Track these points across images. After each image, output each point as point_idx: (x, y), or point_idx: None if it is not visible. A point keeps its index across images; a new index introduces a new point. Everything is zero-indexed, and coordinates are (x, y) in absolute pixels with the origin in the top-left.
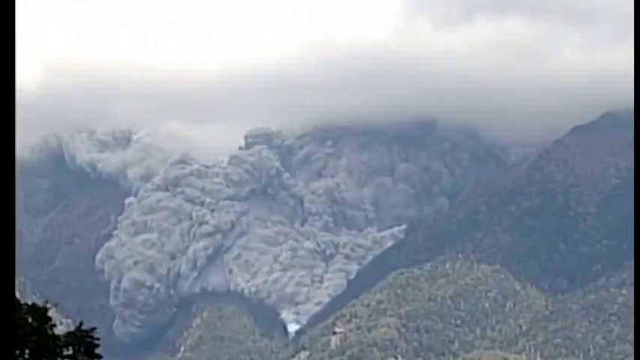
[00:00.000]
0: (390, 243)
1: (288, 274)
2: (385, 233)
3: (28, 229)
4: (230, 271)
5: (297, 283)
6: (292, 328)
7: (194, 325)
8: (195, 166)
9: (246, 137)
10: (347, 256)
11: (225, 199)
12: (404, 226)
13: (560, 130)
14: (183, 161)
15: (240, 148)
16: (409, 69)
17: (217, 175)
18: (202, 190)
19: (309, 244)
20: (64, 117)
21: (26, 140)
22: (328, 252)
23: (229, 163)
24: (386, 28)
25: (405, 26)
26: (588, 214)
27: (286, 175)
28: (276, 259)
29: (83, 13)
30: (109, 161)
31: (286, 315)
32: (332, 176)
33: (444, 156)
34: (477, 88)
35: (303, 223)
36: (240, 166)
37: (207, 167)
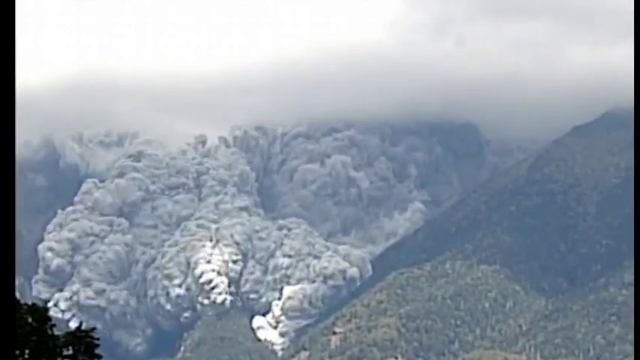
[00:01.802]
0: (393, 240)
1: (288, 270)
2: (386, 231)
3: (28, 229)
4: (228, 270)
5: (297, 280)
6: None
7: (194, 325)
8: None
9: (238, 128)
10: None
11: (219, 193)
12: (404, 227)
13: (560, 130)
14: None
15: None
16: (409, 68)
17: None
18: (197, 183)
19: (308, 242)
20: (63, 117)
21: (26, 140)
22: (329, 249)
23: (231, 146)
24: (386, 28)
25: (405, 26)
26: (588, 214)
27: (279, 170)
28: (275, 256)
29: (83, 13)
30: (108, 160)
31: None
32: (330, 172)
33: (443, 155)
34: (477, 88)
35: (300, 219)
36: (237, 154)
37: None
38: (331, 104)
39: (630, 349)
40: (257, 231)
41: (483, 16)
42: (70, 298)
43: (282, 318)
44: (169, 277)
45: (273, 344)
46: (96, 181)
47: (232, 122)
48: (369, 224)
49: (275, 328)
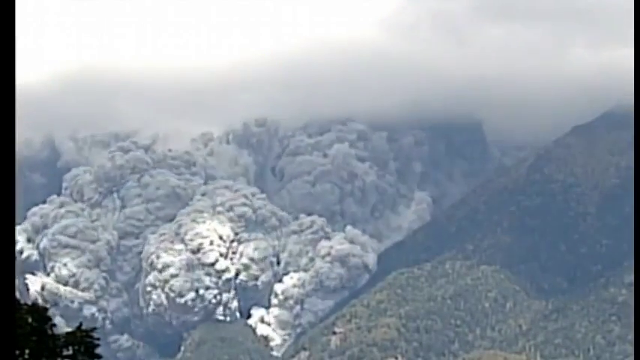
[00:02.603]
0: (398, 237)
1: (290, 267)
2: (391, 228)
3: None
4: (227, 269)
5: (300, 278)
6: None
7: (194, 325)
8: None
9: (239, 125)
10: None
11: (222, 188)
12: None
13: (560, 130)
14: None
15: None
16: (410, 67)
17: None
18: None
19: (309, 240)
20: (63, 116)
21: (26, 140)
22: (330, 248)
23: (232, 142)
24: (388, 25)
25: (407, 24)
26: (588, 214)
27: (281, 166)
28: (278, 253)
29: (84, 12)
30: (108, 160)
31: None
32: (332, 162)
33: (444, 154)
34: (477, 87)
35: (300, 216)
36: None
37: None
38: (333, 101)
39: (630, 349)
40: (261, 209)
41: (484, 15)
42: (42, 288)
43: (289, 304)
44: (166, 271)
45: (273, 340)
46: (89, 169)
47: (233, 119)
48: (374, 221)
49: (272, 321)
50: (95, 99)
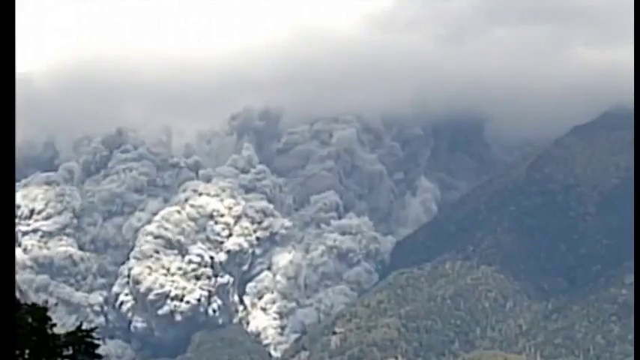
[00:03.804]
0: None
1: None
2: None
3: None
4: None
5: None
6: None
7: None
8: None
9: (241, 119)
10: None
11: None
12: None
13: (560, 130)
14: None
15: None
16: (411, 66)
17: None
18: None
19: (310, 238)
20: (62, 114)
21: (26, 140)
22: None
23: (234, 135)
24: (390, 25)
25: (409, 24)
26: (588, 214)
27: (281, 161)
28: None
29: (83, 13)
30: (108, 160)
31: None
32: (336, 155)
33: (444, 153)
34: (478, 87)
35: (301, 209)
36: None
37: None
38: (336, 97)
39: (630, 349)
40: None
41: (485, 15)
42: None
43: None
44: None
45: (273, 339)
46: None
47: (234, 115)
48: (381, 222)
49: (270, 313)
50: (94, 96)
